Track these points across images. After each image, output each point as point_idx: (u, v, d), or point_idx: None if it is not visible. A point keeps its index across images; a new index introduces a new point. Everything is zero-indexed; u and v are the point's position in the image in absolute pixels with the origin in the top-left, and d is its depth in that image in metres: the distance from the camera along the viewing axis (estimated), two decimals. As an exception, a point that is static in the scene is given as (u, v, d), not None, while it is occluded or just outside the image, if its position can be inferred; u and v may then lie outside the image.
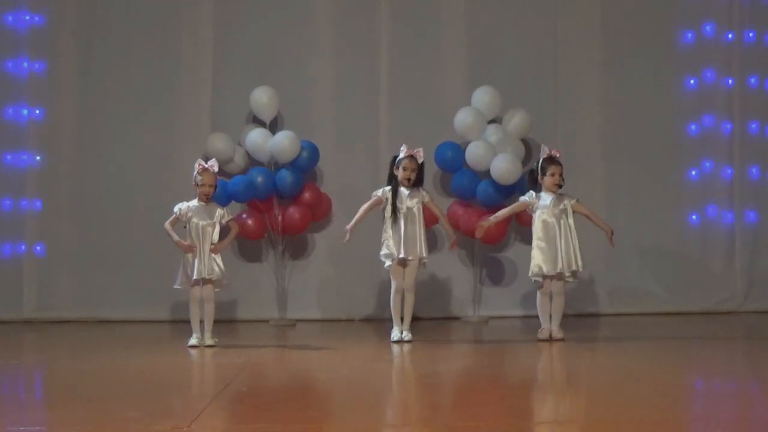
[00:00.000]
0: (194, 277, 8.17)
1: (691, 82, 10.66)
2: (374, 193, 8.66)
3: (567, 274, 8.44)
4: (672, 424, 5.23)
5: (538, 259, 8.43)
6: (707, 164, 10.68)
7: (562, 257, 8.39)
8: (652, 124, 10.63)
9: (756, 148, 10.69)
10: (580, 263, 8.43)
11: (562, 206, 8.48)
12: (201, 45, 10.40)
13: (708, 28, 10.68)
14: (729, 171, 10.68)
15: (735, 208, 10.67)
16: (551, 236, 8.43)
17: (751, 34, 10.70)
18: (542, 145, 8.68)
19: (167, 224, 8.27)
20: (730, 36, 10.67)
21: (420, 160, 8.58)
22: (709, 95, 10.66)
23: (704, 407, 5.82)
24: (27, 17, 10.33)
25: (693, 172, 10.66)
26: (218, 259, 8.25)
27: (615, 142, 10.60)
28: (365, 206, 8.67)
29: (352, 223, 8.63)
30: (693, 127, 10.67)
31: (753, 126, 10.71)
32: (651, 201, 10.62)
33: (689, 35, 10.68)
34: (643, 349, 8.09)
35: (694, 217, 10.68)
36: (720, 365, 7.58)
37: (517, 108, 10.13)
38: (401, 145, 8.62)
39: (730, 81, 10.67)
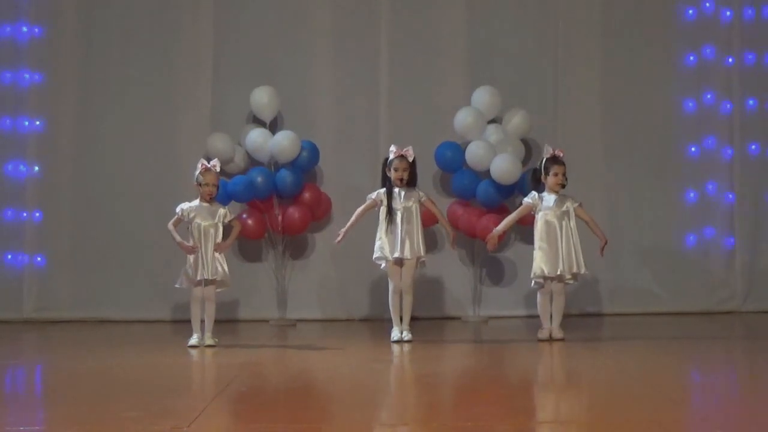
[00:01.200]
0: (197, 278, 8.17)
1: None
2: (369, 196, 8.64)
3: (568, 276, 8.44)
4: (672, 424, 5.22)
5: (539, 261, 8.42)
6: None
7: (563, 259, 8.38)
8: (652, 124, 10.64)
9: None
10: (582, 267, 8.43)
11: (564, 208, 8.47)
12: (201, 45, 10.40)
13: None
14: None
15: (734, 209, 10.68)
16: (552, 237, 8.42)
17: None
18: (545, 145, 8.67)
19: (170, 225, 8.26)
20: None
21: (410, 159, 8.57)
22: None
23: (704, 407, 5.82)
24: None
25: (693, 172, 10.66)
26: (222, 259, 8.24)
27: (615, 142, 10.60)
28: (360, 210, 8.66)
29: (347, 226, 8.63)
30: (693, 127, 10.67)
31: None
32: (651, 201, 10.62)
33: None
34: (643, 349, 8.09)
35: (694, 216, 10.67)
36: (720, 365, 7.58)
37: (517, 108, 10.13)
38: (391, 146, 8.61)
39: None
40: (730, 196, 10.67)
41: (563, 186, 8.51)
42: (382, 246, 8.49)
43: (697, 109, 10.67)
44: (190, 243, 8.20)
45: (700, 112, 10.68)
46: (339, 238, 8.64)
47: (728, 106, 10.67)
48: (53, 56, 10.34)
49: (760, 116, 10.70)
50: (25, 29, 10.33)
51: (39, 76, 10.34)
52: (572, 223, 8.47)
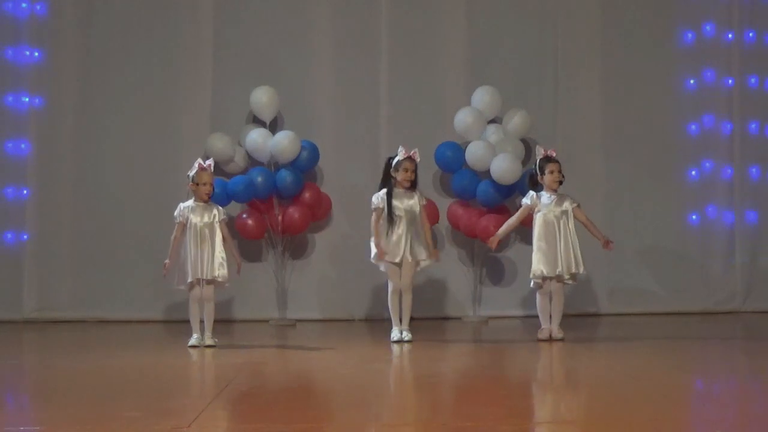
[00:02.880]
0: (188, 279, 8.16)
1: (691, 82, 10.69)
2: (374, 204, 8.48)
3: (566, 276, 8.43)
4: (672, 424, 5.23)
5: (538, 262, 8.42)
6: (707, 164, 10.70)
7: (561, 259, 8.38)
8: (652, 123, 10.64)
9: (756, 148, 10.72)
10: (580, 266, 8.42)
11: (563, 207, 8.47)
12: (201, 45, 10.40)
13: (708, 27, 10.70)
14: (729, 171, 10.70)
15: (735, 208, 10.68)
16: (551, 236, 8.42)
17: (751, 34, 10.72)
18: (537, 146, 8.71)
19: (173, 236, 8.26)
20: (730, 36, 10.69)
21: (417, 161, 8.57)
22: (709, 95, 10.68)
23: (704, 407, 5.82)
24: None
25: (693, 172, 10.68)
26: (224, 260, 8.24)
27: (615, 142, 10.61)
28: (375, 222, 8.47)
29: (376, 241, 8.46)
30: (693, 127, 10.70)
31: (753, 126, 10.73)
32: (651, 201, 10.62)
33: (689, 35, 10.71)
34: (643, 349, 8.09)
35: (694, 217, 10.69)
36: (720, 365, 7.58)
37: (517, 108, 10.13)
38: (399, 147, 8.59)
39: (729, 81, 10.69)
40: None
41: (560, 183, 8.50)
42: (386, 247, 8.45)
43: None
44: (187, 242, 8.19)
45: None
46: (376, 254, 8.50)
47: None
48: (54, 57, 10.33)
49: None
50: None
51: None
52: (570, 223, 8.47)
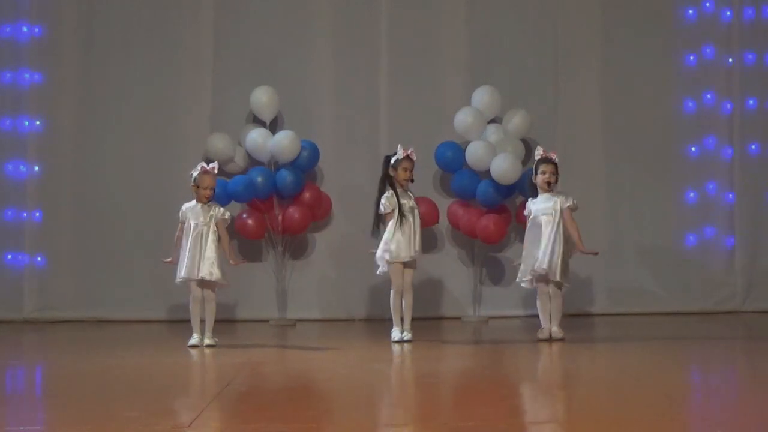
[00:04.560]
0: (182, 275, 8.17)
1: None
2: (385, 208, 8.44)
3: (539, 272, 8.34)
4: (672, 424, 5.23)
5: (522, 262, 8.44)
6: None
7: (539, 256, 8.32)
8: (652, 123, 10.64)
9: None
10: (556, 275, 8.30)
11: (555, 207, 8.39)
12: (201, 45, 10.40)
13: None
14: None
15: (734, 209, 10.68)
16: (536, 236, 8.38)
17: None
18: (537, 146, 8.70)
19: (176, 235, 8.28)
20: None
21: (414, 159, 8.58)
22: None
23: (704, 407, 5.82)
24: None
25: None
26: (215, 260, 8.22)
27: (615, 142, 10.60)
28: (390, 225, 8.51)
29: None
30: (692, 127, 10.68)
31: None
32: (651, 201, 10.62)
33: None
34: (643, 349, 8.09)
35: (694, 216, 10.67)
36: (720, 365, 7.58)
37: (517, 108, 10.13)
38: (398, 146, 8.58)
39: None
40: (730, 195, 10.67)
41: (549, 183, 8.46)
42: (390, 249, 8.43)
43: (697, 108, 10.68)
44: (185, 241, 8.20)
45: (700, 111, 10.68)
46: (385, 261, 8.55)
47: (728, 105, 10.68)
48: (53, 56, 10.34)
49: (760, 115, 10.70)
50: (25, 29, 10.34)
51: (39, 76, 10.35)
52: (559, 224, 8.33)
